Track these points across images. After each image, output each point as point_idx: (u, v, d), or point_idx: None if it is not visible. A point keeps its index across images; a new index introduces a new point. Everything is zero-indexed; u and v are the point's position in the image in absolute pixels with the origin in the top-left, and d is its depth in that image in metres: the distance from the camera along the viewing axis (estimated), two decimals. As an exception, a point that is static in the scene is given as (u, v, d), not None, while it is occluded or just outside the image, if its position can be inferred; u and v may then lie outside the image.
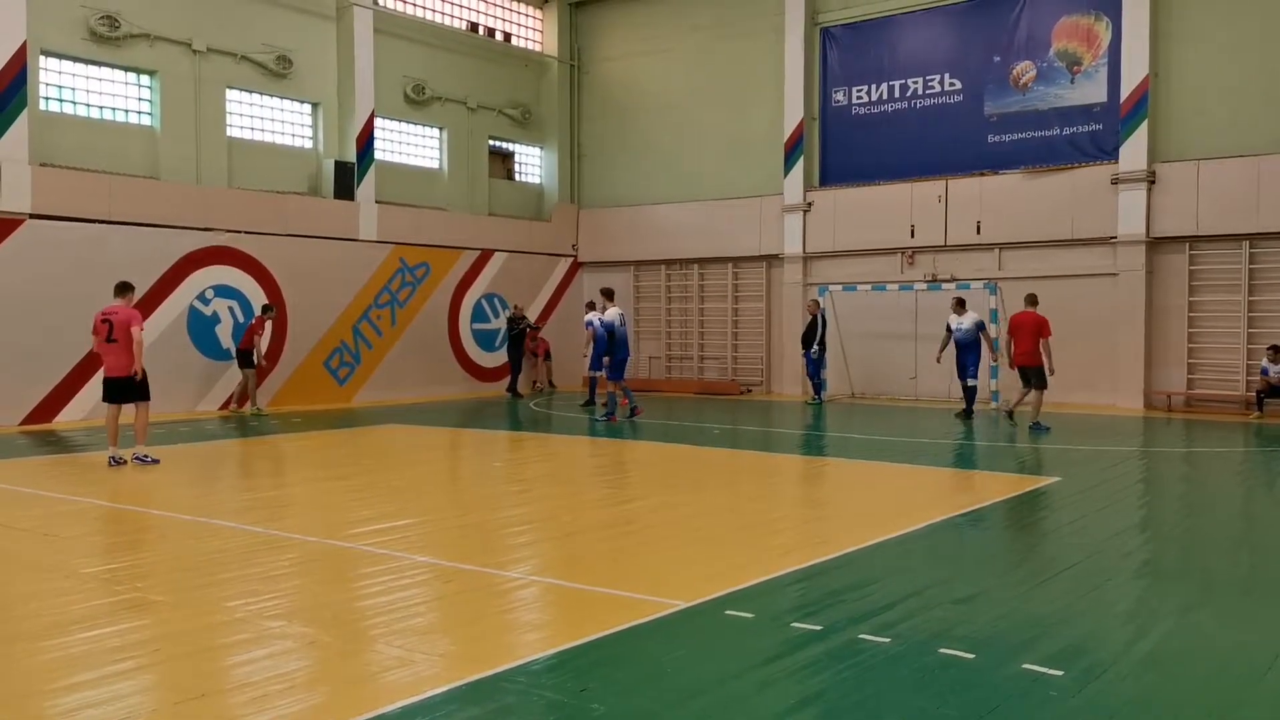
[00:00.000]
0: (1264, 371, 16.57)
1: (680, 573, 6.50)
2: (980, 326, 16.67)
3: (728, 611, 5.54)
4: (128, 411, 11.26)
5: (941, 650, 4.87)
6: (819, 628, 5.23)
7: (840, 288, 20.67)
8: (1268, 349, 16.56)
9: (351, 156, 19.90)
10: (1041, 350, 14.56)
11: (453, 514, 8.81)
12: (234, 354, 17.38)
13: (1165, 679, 4.65)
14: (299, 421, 16.11)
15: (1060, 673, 4.57)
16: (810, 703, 4.31)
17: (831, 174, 21.50)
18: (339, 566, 6.80)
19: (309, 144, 19.90)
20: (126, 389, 11.15)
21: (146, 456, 11.07)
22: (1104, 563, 6.91)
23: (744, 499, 9.81)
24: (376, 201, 20.32)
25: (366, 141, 20.07)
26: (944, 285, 19.65)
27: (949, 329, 16.74)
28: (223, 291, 17.64)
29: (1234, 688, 4.53)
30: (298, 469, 11.86)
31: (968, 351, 16.58)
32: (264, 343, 17.47)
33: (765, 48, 21.82)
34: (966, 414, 16.50)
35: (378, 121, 20.49)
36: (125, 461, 10.97)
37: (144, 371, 11.17)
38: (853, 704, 4.28)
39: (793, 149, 21.46)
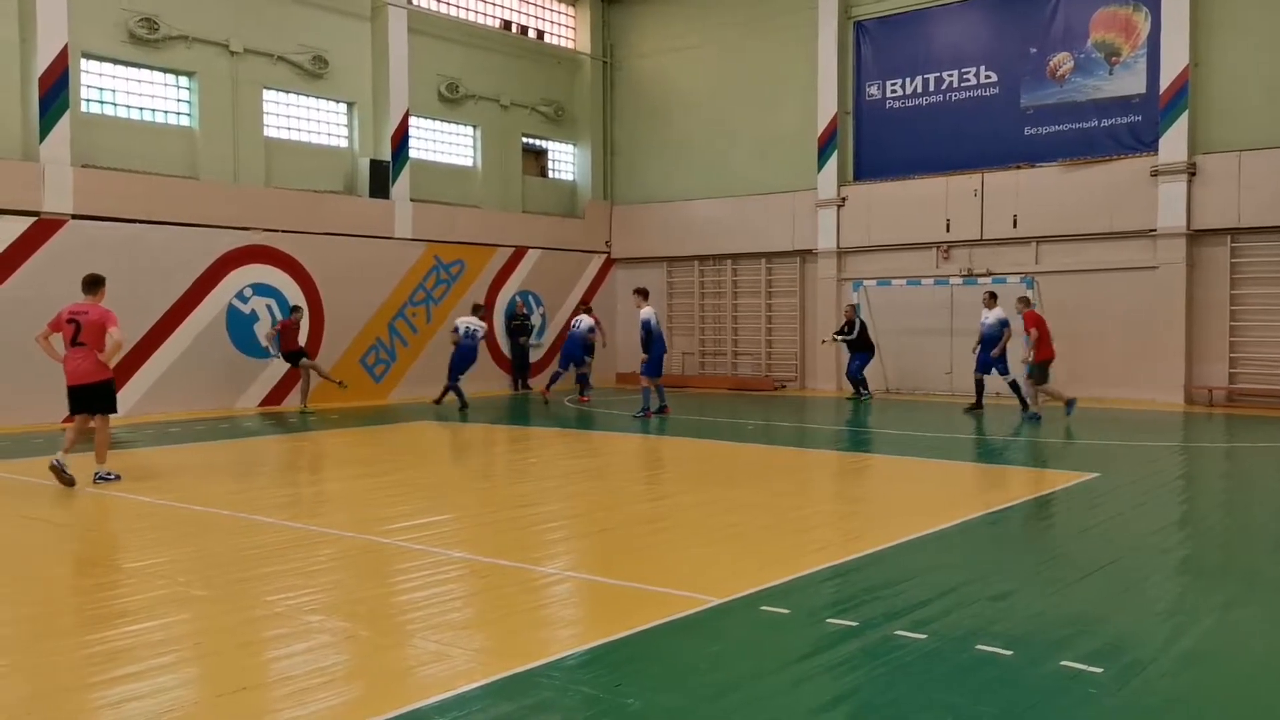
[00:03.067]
0: (1309, 366, 16.26)
1: (714, 569, 6.50)
2: (1004, 324, 16.18)
3: (762, 607, 5.54)
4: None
5: (978, 647, 4.84)
6: (854, 624, 5.21)
7: (874, 283, 20.54)
8: (1313, 343, 16.25)
9: (386, 155, 20.05)
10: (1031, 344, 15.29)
11: (487, 510, 8.87)
12: (281, 358, 17.47)
13: (1206, 677, 4.59)
14: (335, 418, 16.27)
15: (1100, 670, 4.52)
16: (845, 699, 4.30)
17: (865, 168, 21.36)
18: (375, 562, 6.87)
19: (344, 143, 20.07)
20: (95, 398, 9.85)
21: (110, 474, 9.80)
22: (1143, 559, 6.83)
23: (778, 495, 9.77)
24: (411, 200, 20.46)
25: (401, 140, 20.21)
26: (980, 280, 19.48)
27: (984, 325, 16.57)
28: (261, 290, 17.84)
29: (1276, 687, 4.46)
30: (334, 465, 11.98)
31: (990, 347, 16.11)
32: (301, 340, 17.69)
33: (798, 42, 21.71)
34: (1024, 411, 15.68)
35: (412, 120, 20.63)
36: (68, 472, 9.49)
37: (113, 380, 10.02)
38: (887, 701, 4.27)
39: (826, 144, 21.35)
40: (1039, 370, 15.33)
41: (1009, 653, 4.76)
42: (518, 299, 22.27)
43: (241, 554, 6.98)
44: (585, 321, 19.61)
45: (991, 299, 16.52)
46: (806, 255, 22.01)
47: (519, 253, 22.48)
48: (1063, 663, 4.63)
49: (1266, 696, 4.35)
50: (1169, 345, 17.88)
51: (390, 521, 8.06)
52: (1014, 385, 16.31)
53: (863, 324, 19.37)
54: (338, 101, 19.89)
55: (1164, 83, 17.82)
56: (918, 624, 5.20)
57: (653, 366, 16.12)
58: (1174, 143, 17.72)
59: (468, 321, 17.92)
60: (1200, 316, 17.78)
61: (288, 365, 17.48)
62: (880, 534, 7.49)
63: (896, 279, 20.37)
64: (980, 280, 19.42)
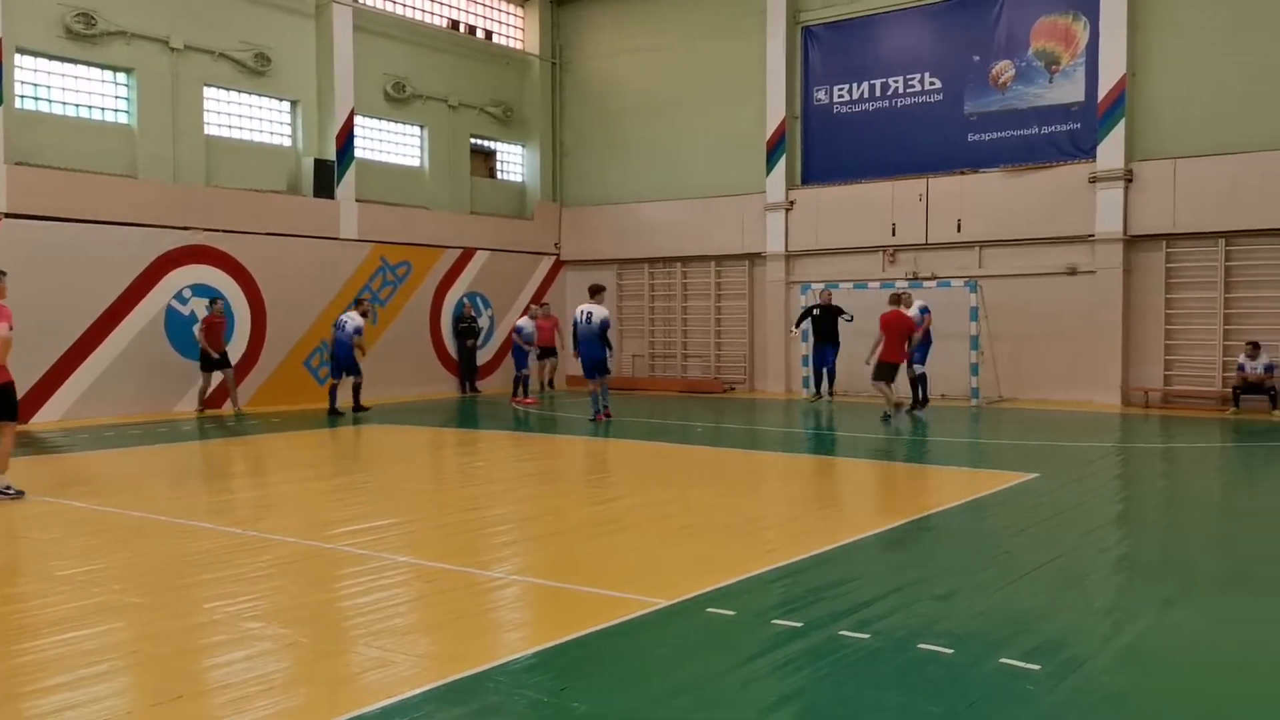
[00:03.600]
0: (1241, 368, 16.70)
1: (663, 571, 6.50)
2: (925, 310, 16.74)
3: (709, 609, 5.55)
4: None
5: (921, 646, 4.89)
6: (800, 625, 5.24)
7: (822, 285, 20.70)
8: (1245, 345, 16.70)
9: (331, 155, 19.80)
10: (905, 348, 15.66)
11: (434, 514, 8.78)
12: (201, 363, 16.93)
13: (1144, 674, 4.68)
14: (278, 421, 16.02)
15: (1038, 667, 4.59)
16: (790, 700, 4.32)
17: (814, 172, 21.54)
18: (319, 567, 6.76)
19: (288, 142, 19.79)
20: None
21: (9, 489, 9.02)
22: (1082, 558, 6.96)
23: (727, 497, 9.81)
24: (357, 200, 20.22)
25: (346, 139, 19.97)
26: (925, 283, 19.73)
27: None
28: (201, 291, 17.49)
29: (1213, 683, 4.57)
30: (277, 469, 11.79)
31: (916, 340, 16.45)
32: (226, 336, 17.20)
33: (747, 46, 21.83)
34: (917, 404, 16.47)
35: (358, 119, 20.39)
36: None
37: (11, 384, 9.01)
38: (832, 701, 4.29)
39: (775, 148, 21.50)
40: (884, 369, 15.64)
41: (950, 651, 4.82)
42: (465, 301, 22.10)
43: (179, 560, 6.84)
44: (527, 322, 19.52)
45: (909, 298, 16.65)
46: (755, 258, 22.14)
47: (467, 254, 22.33)
48: (1002, 660, 4.69)
49: (1202, 693, 4.45)
50: (1107, 348, 18.26)
51: (333, 526, 7.94)
52: (923, 378, 16.84)
53: (835, 309, 19.00)
54: (281, 100, 19.60)
55: (1102, 91, 18.20)
56: (862, 624, 5.24)
57: (587, 369, 16.01)
58: (1111, 150, 18.11)
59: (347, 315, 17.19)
60: (1137, 320, 18.19)
61: (213, 369, 16.89)
62: (827, 535, 7.54)
63: (844, 282, 20.56)
64: (926, 284, 19.68)
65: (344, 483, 10.47)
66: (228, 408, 17.30)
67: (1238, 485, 10.50)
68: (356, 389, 17.18)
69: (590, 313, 15.81)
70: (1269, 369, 16.49)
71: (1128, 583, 6.45)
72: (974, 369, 18.41)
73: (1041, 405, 17.80)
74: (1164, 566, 6.89)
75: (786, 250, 21.51)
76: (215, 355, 16.89)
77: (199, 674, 4.69)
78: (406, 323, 20.93)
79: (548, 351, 21.39)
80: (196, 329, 16.99)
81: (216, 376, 17.18)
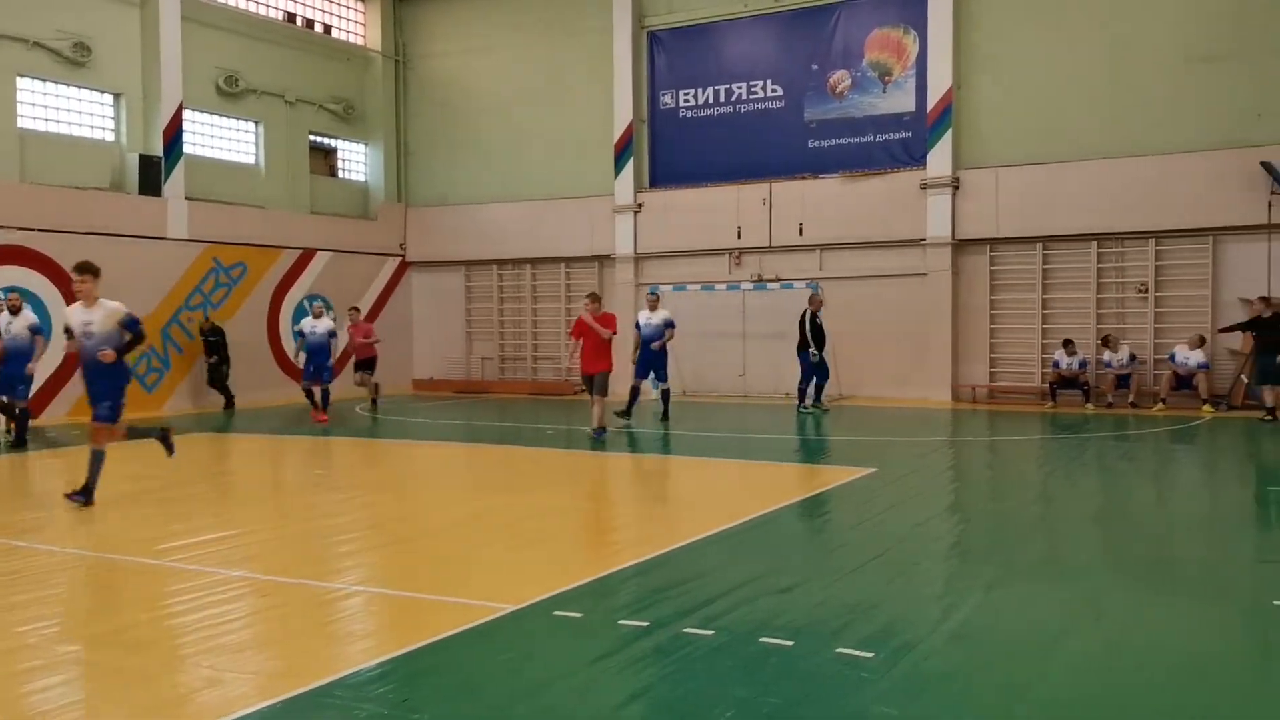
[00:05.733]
0: (1057, 364, 17.84)
1: (510, 576, 6.45)
2: (669, 324, 15.76)
3: (556, 612, 5.53)
4: None
5: (762, 640, 5.01)
6: (646, 624, 5.28)
7: (670, 288, 20.99)
8: (1062, 343, 17.85)
9: (158, 150, 18.81)
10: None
11: (271, 525, 8.45)
12: None
13: (969, 655, 4.93)
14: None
15: (871, 655, 4.77)
16: (635, 699, 4.35)
17: (661, 175, 21.81)
18: (145, 585, 6.41)
19: (111, 137, 18.70)
20: None
21: None
22: (914, 547, 7.28)
23: (576, 499, 9.82)
24: (186, 198, 19.28)
25: (174, 134, 19.01)
26: (770, 285, 20.28)
27: (637, 326, 15.90)
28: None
29: (1031, 659, 4.85)
30: (102, 483, 11.09)
31: (655, 351, 15.65)
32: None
33: (594, 48, 21.92)
34: (626, 413, 15.20)
35: (187, 114, 19.43)
36: None
37: None
38: (677, 698, 4.35)
39: (622, 150, 21.66)
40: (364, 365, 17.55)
41: (790, 644, 4.95)
42: (306, 304, 21.33)
43: (-12, 583, 6.36)
44: (325, 325, 16.60)
45: (655, 300, 16.36)
46: (605, 260, 22.24)
47: (307, 255, 21.61)
48: (839, 650, 4.85)
49: (1024, 669, 4.72)
50: (938, 346, 19.19)
51: (162, 541, 7.54)
52: (667, 393, 16.01)
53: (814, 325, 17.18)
54: (103, 92, 18.51)
55: (930, 102, 19.12)
56: (707, 620, 5.33)
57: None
58: (940, 158, 19.05)
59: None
60: (965, 320, 19.18)
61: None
62: (673, 535, 7.64)
63: (692, 284, 20.91)
64: (771, 285, 20.23)
65: (172, 495, 9.95)
66: None
67: (1054, 475, 11.20)
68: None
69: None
70: (1082, 365, 17.68)
71: (956, 569, 6.78)
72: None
73: (878, 403, 18.54)
74: (988, 553, 7.27)
75: (636, 252, 21.70)
76: None
77: (9, 702, 4.36)
78: (242, 327, 20.06)
79: (364, 364, 18.44)
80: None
81: None
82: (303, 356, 16.61)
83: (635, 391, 15.84)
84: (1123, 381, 17.39)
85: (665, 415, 15.92)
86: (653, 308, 16.16)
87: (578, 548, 7.65)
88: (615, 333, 13.56)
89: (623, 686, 4.50)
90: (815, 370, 17.24)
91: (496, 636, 5.20)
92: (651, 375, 15.95)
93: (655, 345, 15.73)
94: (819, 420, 16.18)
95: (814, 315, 17.20)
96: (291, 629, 5.40)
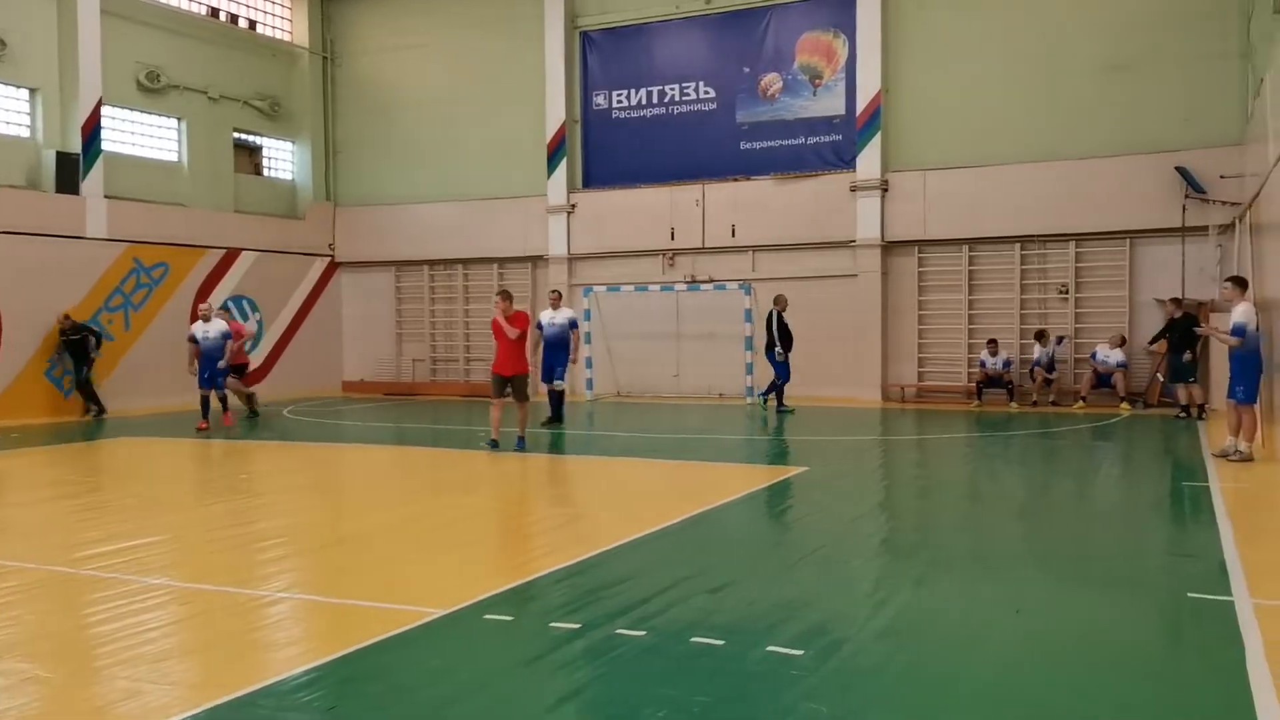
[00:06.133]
0: (982, 364, 18.22)
1: (440, 580, 6.37)
2: (573, 324, 15.53)
3: (487, 616, 5.48)
4: None
5: (694, 639, 5.01)
6: (577, 626, 5.26)
7: (604, 289, 20.97)
8: (987, 343, 18.23)
9: (76, 147, 18.25)
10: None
11: (194, 531, 8.23)
12: None
13: (898, 650, 4.99)
14: (17, 437, 14.60)
15: (801, 652, 4.81)
16: (567, 701, 4.33)
17: (594, 176, 21.78)
18: (62, 594, 6.20)
19: (26, 133, 18.10)
20: None
21: None
22: (846, 544, 7.36)
23: (508, 501, 9.75)
24: (106, 196, 18.74)
25: (93, 131, 18.46)
26: (703, 286, 20.37)
27: (539, 325, 15.15)
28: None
29: (958, 652, 4.94)
30: (15, 489, 10.73)
31: (557, 350, 15.27)
32: None
33: (526, 48, 21.81)
34: (554, 419, 15.15)
35: (106, 110, 18.88)
36: None
37: None
38: (608, 699, 4.33)
39: (555, 151, 21.58)
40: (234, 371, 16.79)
41: (722, 643, 4.97)
42: (230, 305, 20.89)
43: (-110, 596, 6.09)
44: (217, 328, 15.88)
45: (558, 298, 16.08)
46: (538, 260, 22.14)
47: (231, 255, 21.14)
48: (770, 648, 4.88)
49: (951, 662, 4.80)
50: (868, 346, 19.46)
51: (79, 549, 7.30)
52: (561, 394, 15.62)
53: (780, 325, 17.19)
54: (18, 87, 17.93)
55: (860, 105, 19.39)
56: (638, 621, 5.32)
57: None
58: (869, 161, 19.32)
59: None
60: (894, 320, 19.49)
61: None
62: (606, 535, 7.61)
63: (625, 285, 20.91)
64: (704, 286, 20.32)
65: (90, 501, 9.66)
66: None
67: (979, 472, 11.43)
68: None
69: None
70: (1007, 364, 18.08)
71: (885, 566, 6.87)
72: (749, 368, 19.16)
73: (811, 402, 18.73)
74: (916, 549, 7.38)
75: (569, 253, 21.64)
76: None
77: (-90, 722, 4.19)
78: (163, 328, 19.55)
79: (235, 369, 17.08)
80: None
81: None
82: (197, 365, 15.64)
83: (553, 394, 15.42)
84: (1051, 371, 17.75)
85: (558, 417, 15.36)
86: (555, 306, 15.69)
87: (508, 551, 7.59)
88: (523, 332, 12.53)
89: (554, 688, 4.47)
90: (779, 370, 17.22)
91: (427, 641, 5.13)
92: (557, 373, 15.35)
93: (572, 358, 15.46)
94: (765, 420, 16.29)
95: (780, 315, 17.17)
96: (213, 637, 5.26)
